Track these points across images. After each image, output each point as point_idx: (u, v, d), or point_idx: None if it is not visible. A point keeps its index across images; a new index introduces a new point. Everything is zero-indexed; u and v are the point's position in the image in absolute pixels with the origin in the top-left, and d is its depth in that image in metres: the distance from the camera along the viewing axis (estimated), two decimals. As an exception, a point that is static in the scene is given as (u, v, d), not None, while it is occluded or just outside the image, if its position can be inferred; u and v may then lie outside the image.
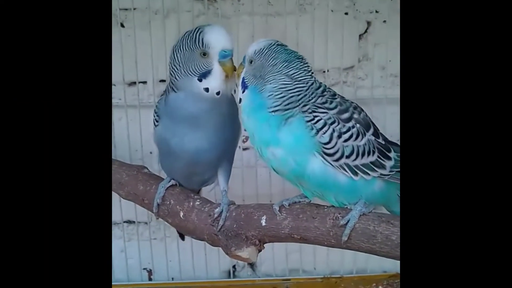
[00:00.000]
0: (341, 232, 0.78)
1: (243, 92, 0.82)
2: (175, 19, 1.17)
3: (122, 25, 1.18)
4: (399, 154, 0.81)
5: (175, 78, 0.86)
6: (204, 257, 1.29)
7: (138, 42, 1.16)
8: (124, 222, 1.29)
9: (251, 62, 0.81)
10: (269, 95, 0.79)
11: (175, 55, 0.86)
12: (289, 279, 1.31)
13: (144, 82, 1.22)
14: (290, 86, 0.79)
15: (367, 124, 0.81)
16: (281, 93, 0.78)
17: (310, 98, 0.79)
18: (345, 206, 0.81)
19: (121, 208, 1.23)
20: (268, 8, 1.18)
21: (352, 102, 0.83)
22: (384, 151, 0.80)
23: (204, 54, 0.83)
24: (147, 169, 1.05)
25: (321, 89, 0.81)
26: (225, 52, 0.83)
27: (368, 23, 1.21)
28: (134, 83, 1.21)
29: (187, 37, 0.85)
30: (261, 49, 0.80)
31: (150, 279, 1.34)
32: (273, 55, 0.80)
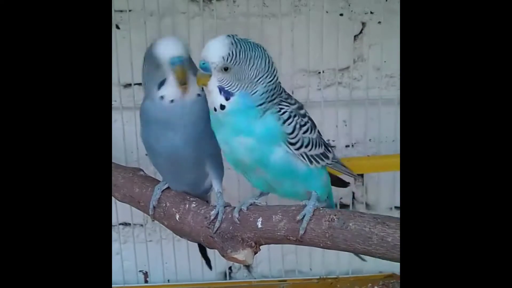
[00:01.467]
0: (336, 233, 0.79)
1: (227, 99, 0.80)
2: (171, 21, 1.17)
3: (117, 27, 1.18)
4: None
5: (144, 88, 0.92)
6: (200, 259, 1.28)
7: (134, 44, 1.16)
8: (120, 224, 1.29)
9: (225, 69, 0.79)
10: (262, 95, 0.81)
11: (143, 68, 0.92)
12: (285, 280, 1.31)
13: (140, 84, 1.21)
14: (271, 82, 0.82)
15: (313, 123, 0.89)
16: (268, 91, 0.82)
17: (280, 91, 0.84)
18: (300, 203, 0.85)
19: (116, 210, 1.23)
20: (263, 9, 1.18)
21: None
22: (326, 145, 0.91)
23: (157, 65, 0.87)
24: (143, 171, 1.05)
25: (280, 83, 0.86)
26: (174, 59, 0.85)
27: (363, 24, 1.21)
28: (130, 84, 1.21)
29: (146, 53, 0.90)
30: (230, 54, 0.78)
31: (146, 281, 1.33)
32: (247, 55, 0.79)
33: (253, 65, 0.80)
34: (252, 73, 0.80)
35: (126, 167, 1.06)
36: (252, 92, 0.80)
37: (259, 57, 0.80)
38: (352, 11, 1.20)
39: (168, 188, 0.97)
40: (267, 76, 0.81)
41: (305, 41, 1.18)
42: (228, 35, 0.81)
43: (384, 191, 1.28)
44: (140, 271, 1.33)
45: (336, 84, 1.22)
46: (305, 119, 0.86)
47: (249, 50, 0.80)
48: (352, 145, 1.26)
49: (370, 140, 1.26)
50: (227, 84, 0.80)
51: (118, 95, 1.20)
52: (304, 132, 0.85)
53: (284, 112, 0.82)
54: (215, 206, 0.90)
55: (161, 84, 0.87)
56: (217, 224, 0.88)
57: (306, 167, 0.86)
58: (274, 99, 0.82)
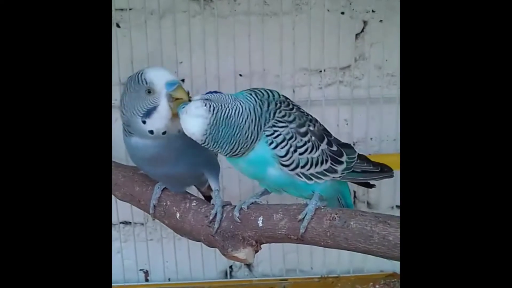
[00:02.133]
0: (337, 232, 0.79)
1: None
2: (171, 20, 1.17)
3: (118, 25, 1.18)
4: (350, 156, 0.88)
5: (126, 121, 0.86)
6: (201, 258, 1.28)
7: (134, 43, 1.16)
8: (121, 223, 1.29)
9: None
10: (238, 146, 0.81)
11: (124, 101, 0.85)
12: (286, 279, 1.30)
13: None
14: (254, 123, 0.80)
15: (321, 136, 0.86)
16: (250, 135, 0.80)
17: (275, 111, 0.82)
18: (301, 202, 0.85)
19: (117, 209, 1.23)
20: (264, 7, 1.17)
21: (308, 115, 0.87)
22: (336, 157, 0.86)
23: (149, 91, 0.81)
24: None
25: (272, 104, 0.83)
26: (171, 82, 0.81)
27: (365, 22, 1.21)
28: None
29: (131, 81, 0.84)
30: (205, 133, 0.78)
31: (147, 280, 1.33)
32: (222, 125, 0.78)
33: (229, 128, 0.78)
34: (230, 132, 0.78)
35: (127, 166, 1.06)
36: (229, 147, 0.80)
37: (235, 115, 0.78)
38: (353, 9, 1.19)
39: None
40: (247, 126, 0.79)
41: (306, 40, 1.18)
42: (205, 104, 0.78)
43: (386, 190, 1.28)
44: (140, 269, 1.32)
45: (337, 83, 1.22)
46: (305, 139, 0.82)
47: (225, 117, 0.78)
48: (354, 144, 1.25)
49: (371, 139, 1.26)
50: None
51: (118, 94, 1.20)
52: (301, 154, 0.82)
53: (278, 135, 0.81)
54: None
55: (147, 114, 0.81)
56: (216, 225, 0.87)
57: (304, 183, 0.84)
58: (262, 127, 0.80)
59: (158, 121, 0.82)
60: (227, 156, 0.83)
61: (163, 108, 0.82)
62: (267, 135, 0.81)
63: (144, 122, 0.82)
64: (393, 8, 1.17)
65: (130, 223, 1.28)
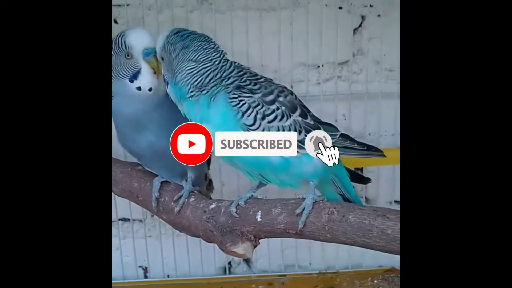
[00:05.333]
0: (336, 226, 0.79)
1: (167, 87, 0.87)
2: (169, 15, 1.16)
3: (115, 21, 1.17)
4: (330, 133, 0.84)
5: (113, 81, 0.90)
6: (200, 254, 1.28)
7: (131, 38, 1.15)
8: (119, 220, 1.29)
9: (162, 59, 0.86)
10: (181, 84, 0.84)
11: (112, 60, 0.89)
12: (284, 275, 1.30)
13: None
14: (196, 69, 0.83)
15: (294, 106, 0.84)
16: (189, 78, 0.83)
17: (224, 76, 0.84)
18: (298, 196, 0.83)
19: (115, 205, 1.23)
20: (262, 2, 1.17)
21: (279, 85, 0.87)
22: (312, 129, 0.83)
23: (128, 55, 0.87)
24: (141, 165, 1.05)
25: (235, 70, 0.85)
26: (147, 50, 0.87)
27: (363, 17, 1.21)
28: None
29: (114, 43, 0.89)
30: (162, 44, 0.85)
31: (146, 277, 1.33)
32: (171, 47, 0.84)
33: (176, 57, 0.83)
34: (173, 63, 0.83)
35: (124, 161, 1.06)
36: (175, 82, 0.84)
37: (185, 47, 0.83)
38: (351, 4, 1.19)
39: (166, 181, 0.96)
40: (191, 66, 0.83)
41: (304, 35, 1.18)
42: (171, 30, 0.85)
43: (384, 185, 1.28)
44: (139, 266, 1.32)
45: (336, 78, 1.22)
46: (273, 107, 0.82)
47: (176, 42, 0.83)
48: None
49: (369, 134, 1.26)
50: (164, 72, 0.86)
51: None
52: (270, 121, 0.81)
53: (243, 104, 0.81)
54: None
55: (134, 76, 0.87)
56: (177, 208, 0.90)
57: (279, 157, 0.81)
58: (216, 84, 0.82)
59: (144, 80, 0.88)
60: (187, 96, 0.84)
61: (145, 71, 0.87)
62: (232, 103, 0.81)
63: (131, 82, 0.88)
64: (391, 3, 1.16)
65: (128, 219, 1.28)
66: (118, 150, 1.18)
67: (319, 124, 0.87)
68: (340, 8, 1.19)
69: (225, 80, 0.83)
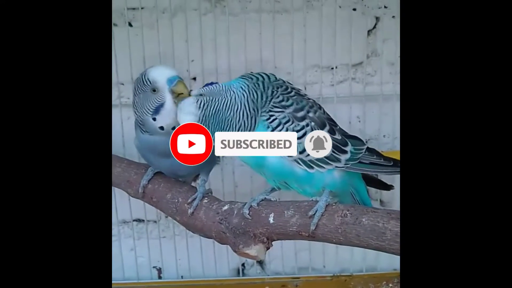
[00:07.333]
0: (349, 229, 0.78)
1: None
2: (183, 18, 1.17)
3: (130, 24, 1.19)
4: (356, 147, 0.87)
5: (140, 121, 0.92)
6: (213, 255, 1.29)
7: (146, 41, 1.17)
8: (134, 220, 1.30)
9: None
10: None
11: (134, 102, 0.92)
12: (298, 278, 1.30)
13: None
14: (248, 109, 0.83)
15: (322, 123, 0.86)
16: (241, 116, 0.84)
17: (272, 95, 0.84)
18: (312, 199, 0.84)
19: (130, 206, 1.24)
20: (275, 5, 1.17)
21: (310, 100, 0.88)
22: (340, 146, 0.85)
23: (154, 90, 0.88)
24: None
25: (269, 88, 0.85)
26: (172, 78, 0.87)
27: (377, 18, 1.20)
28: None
29: (137, 83, 0.91)
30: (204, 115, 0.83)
31: (160, 277, 1.34)
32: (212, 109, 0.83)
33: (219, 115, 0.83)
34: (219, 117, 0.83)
35: (139, 163, 1.07)
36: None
37: (224, 109, 0.83)
38: (365, 5, 1.18)
39: (180, 182, 0.98)
40: (240, 109, 0.83)
41: (318, 37, 1.17)
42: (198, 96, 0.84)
43: (399, 188, 1.26)
44: (153, 267, 1.33)
45: (350, 80, 1.21)
46: (303, 123, 0.83)
47: (215, 104, 0.83)
48: (366, 141, 1.24)
49: (384, 136, 1.25)
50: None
51: (131, 93, 1.20)
52: (299, 138, 0.82)
53: (273, 120, 0.82)
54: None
55: (156, 111, 0.87)
56: (191, 210, 0.90)
57: (304, 171, 0.84)
58: (259, 111, 0.83)
59: (167, 117, 0.88)
60: None
61: (169, 104, 0.88)
62: (264, 120, 0.82)
63: (154, 119, 0.89)
64: (406, 4, 1.15)
65: (143, 220, 1.29)
66: (133, 152, 1.20)
67: (346, 138, 0.88)
68: (354, 9, 1.18)
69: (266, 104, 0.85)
